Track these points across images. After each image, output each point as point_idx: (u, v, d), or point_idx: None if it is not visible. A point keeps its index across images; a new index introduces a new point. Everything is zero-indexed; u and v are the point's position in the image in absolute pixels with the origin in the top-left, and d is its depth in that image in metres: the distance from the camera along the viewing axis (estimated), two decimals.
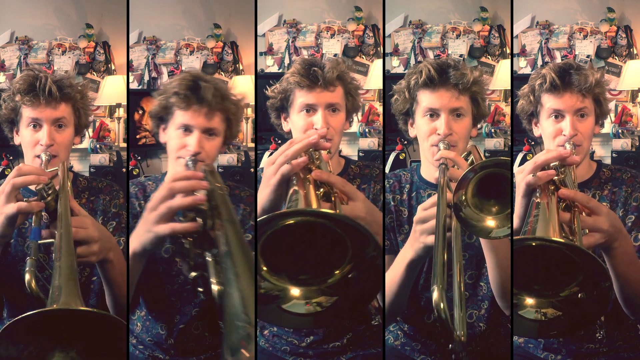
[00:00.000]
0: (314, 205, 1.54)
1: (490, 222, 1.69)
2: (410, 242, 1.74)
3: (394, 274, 1.80)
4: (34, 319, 1.38)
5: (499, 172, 1.70)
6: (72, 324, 1.42)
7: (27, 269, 1.60)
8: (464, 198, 1.66)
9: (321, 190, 1.64)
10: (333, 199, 1.63)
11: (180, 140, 1.94)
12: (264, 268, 1.46)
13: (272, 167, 1.67)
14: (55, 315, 1.41)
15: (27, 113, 2.02)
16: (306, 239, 1.45)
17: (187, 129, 1.94)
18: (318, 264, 1.46)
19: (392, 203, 2.08)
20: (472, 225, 1.68)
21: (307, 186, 1.60)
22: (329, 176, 1.65)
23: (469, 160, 1.90)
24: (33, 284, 1.57)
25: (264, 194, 1.68)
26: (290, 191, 1.60)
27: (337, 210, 1.60)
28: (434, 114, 2.00)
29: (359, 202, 1.67)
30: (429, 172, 2.07)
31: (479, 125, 2.10)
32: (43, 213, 1.80)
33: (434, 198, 1.71)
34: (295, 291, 1.47)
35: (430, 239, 1.66)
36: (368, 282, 1.45)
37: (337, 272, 1.46)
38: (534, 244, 1.55)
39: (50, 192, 1.78)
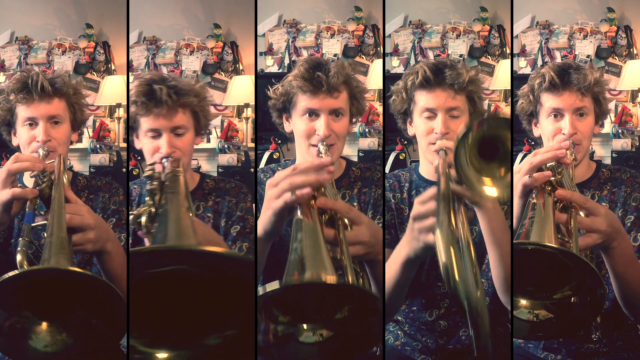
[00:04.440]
0: (320, 239, 1.52)
1: (486, 185, 1.65)
2: (407, 239, 1.65)
3: (389, 271, 1.74)
4: (19, 282, 1.35)
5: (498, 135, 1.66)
6: (61, 295, 1.39)
7: (18, 248, 1.57)
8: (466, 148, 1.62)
9: (325, 215, 1.63)
10: (337, 224, 1.61)
11: (152, 144, 2.01)
12: (280, 315, 1.47)
13: (275, 191, 1.63)
14: (43, 280, 1.37)
15: (22, 112, 2.04)
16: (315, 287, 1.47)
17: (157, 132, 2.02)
18: (323, 305, 1.48)
19: (393, 201, 2.09)
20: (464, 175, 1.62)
21: (312, 213, 1.57)
22: (334, 204, 1.63)
23: None
24: (25, 264, 1.54)
25: (266, 215, 1.64)
26: (295, 219, 1.57)
27: (341, 235, 1.59)
28: (431, 113, 2.01)
29: (362, 226, 1.63)
30: (428, 170, 2.07)
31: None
32: (38, 202, 1.80)
33: (431, 190, 1.61)
34: (305, 325, 1.49)
35: (431, 237, 1.57)
36: (363, 334, 1.47)
37: (338, 314, 1.47)
38: (529, 247, 1.56)
39: (45, 179, 1.79)
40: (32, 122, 2.04)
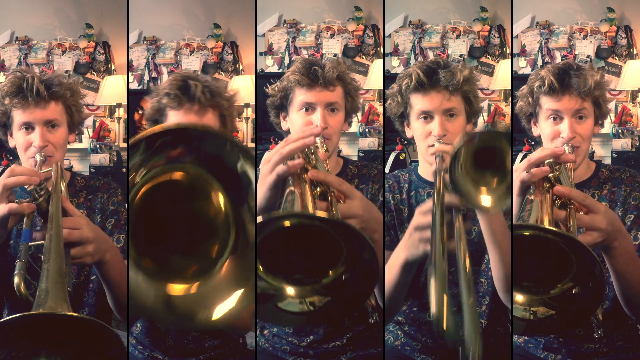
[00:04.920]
0: (310, 206, 1.54)
1: (484, 197, 1.66)
2: (406, 244, 1.70)
3: (388, 274, 1.77)
4: (17, 322, 1.36)
5: (493, 147, 1.66)
6: (59, 329, 1.40)
7: (16, 271, 1.56)
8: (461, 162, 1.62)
9: (318, 189, 1.64)
10: (329, 198, 1.63)
11: None
12: (260, 268, 1.46)
13: (268, 166, 1.67)
14: (40, 319, 1.38)
15: (18, 117, 1.99)
16: (302, 240, 1.46)
17: None
18: (313, 264, 1.47)
19: (392, 202, 2.09)
20: (461, 186, 1.62)
21: (303, 186, 1.60)
22: (326, 176, 1.65)
23: None
24: (22, 287, 1.54)
25: (260, 192, 1.67)
26: (287, 191, 1.61)
27: (334, 210, 1.60)
28: (427, 116, 2.02)
29: (356, 200, 1.65)
30: (427, 171, 2.07)
31: (473, 120, 2.10)
32: (35, 214, 1.77)
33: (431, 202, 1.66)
34: (290, 290, 1.48)
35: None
36: (361, 284, 1.46)
37: (330, 272, 1.47)
38: (526, 233, 1.55)
39: (42, 193, 1.75)
40: (28, 127, 1.99)
